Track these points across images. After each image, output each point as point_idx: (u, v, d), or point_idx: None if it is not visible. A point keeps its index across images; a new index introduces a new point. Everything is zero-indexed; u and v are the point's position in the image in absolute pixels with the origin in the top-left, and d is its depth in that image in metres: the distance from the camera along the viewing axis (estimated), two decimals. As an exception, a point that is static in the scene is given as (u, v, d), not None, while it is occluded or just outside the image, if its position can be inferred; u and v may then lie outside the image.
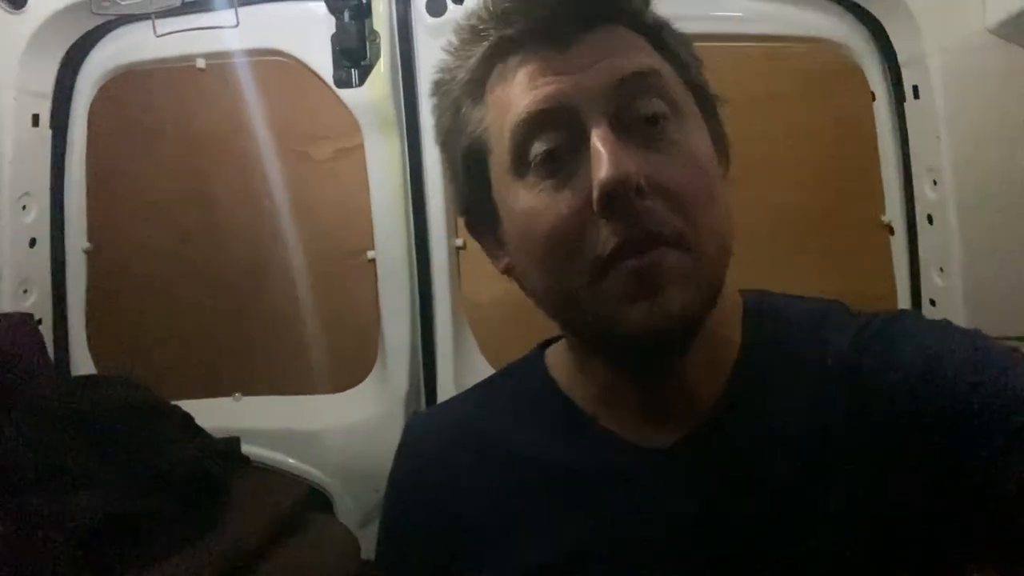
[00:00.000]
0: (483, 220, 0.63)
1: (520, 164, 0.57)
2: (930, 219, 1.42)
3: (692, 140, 0.57)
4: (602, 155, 0.52)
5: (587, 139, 0.54)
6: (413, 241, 1.61)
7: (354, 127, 1.54)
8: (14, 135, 1.44)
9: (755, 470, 0.58)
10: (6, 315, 1.36)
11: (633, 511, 0.58)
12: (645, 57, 0.57)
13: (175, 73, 1.52)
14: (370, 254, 1.64)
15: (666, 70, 0.58)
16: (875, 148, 1.52)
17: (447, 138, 0.64)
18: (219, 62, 1.55)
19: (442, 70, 0.63)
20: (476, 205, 0.63)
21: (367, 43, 1.48)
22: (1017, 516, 0.51)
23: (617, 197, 0.52)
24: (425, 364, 1.61)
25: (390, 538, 0.70)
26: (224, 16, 1.29)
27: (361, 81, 1.50)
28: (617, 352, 0.59)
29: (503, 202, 0.60)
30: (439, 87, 0.63)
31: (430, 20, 1.49)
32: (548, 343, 0.70)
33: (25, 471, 1.10)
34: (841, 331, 0.61)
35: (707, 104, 0.62)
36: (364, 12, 1.46)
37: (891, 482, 0.56)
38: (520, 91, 0.56)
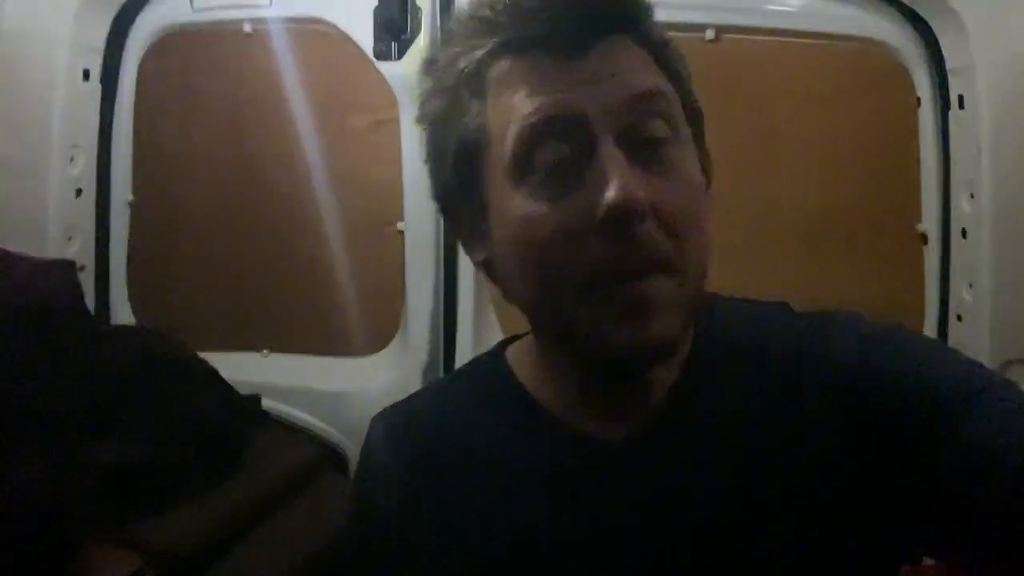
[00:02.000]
0: (463, 210, 0.63)
1: (521, 169, 0.56)
2: (964, 233, 1.38)
3: (688, 165, 0.58)
4: (612, 176, 0.53)
5: (593, 153, 0.54)
6: (441, 217, 1.62)
7: (391, 100, 1.55)
8: (65, 89, 1.48)
9: (701, 459, 0.60)
10: (49, 261, 1.41)
11: (589, 501, 0.60)
12: (654, 76, 0.58)
13: (222, 36, 1.54)
14: (399, 225, 1.65)
15: (670, 91, 0.59)
16: (916, 154, 1.47)
17: (435, 122, 0.62)
18: (264, 27, 1.57)
19: (441, 53, 0.62)
20: (459, 195, 0.62)
21: (409, 17, 1.47)
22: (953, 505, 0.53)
23: (621, 219, 0.52)
24: (445, 336, 1.63)
25: (352, 530, 0.73)
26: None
27: (400, 54, 1.49)
28: (591, 364, 0.60)
29: (496, 202, 0.59)
30: (433, 68, 0.62)
31: (472, -2, 1.47)
32: (508, 341, 0.72)
33: (58, 418, 1.15)
34: (784, 327, 0.64)
35: (698, 124, 0.62)
36: (406, -13, 1.45)
37: (831, 466, 0.58)
38: (529, 94, 0.56)
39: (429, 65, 0.63)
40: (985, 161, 1.27)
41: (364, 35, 1.49)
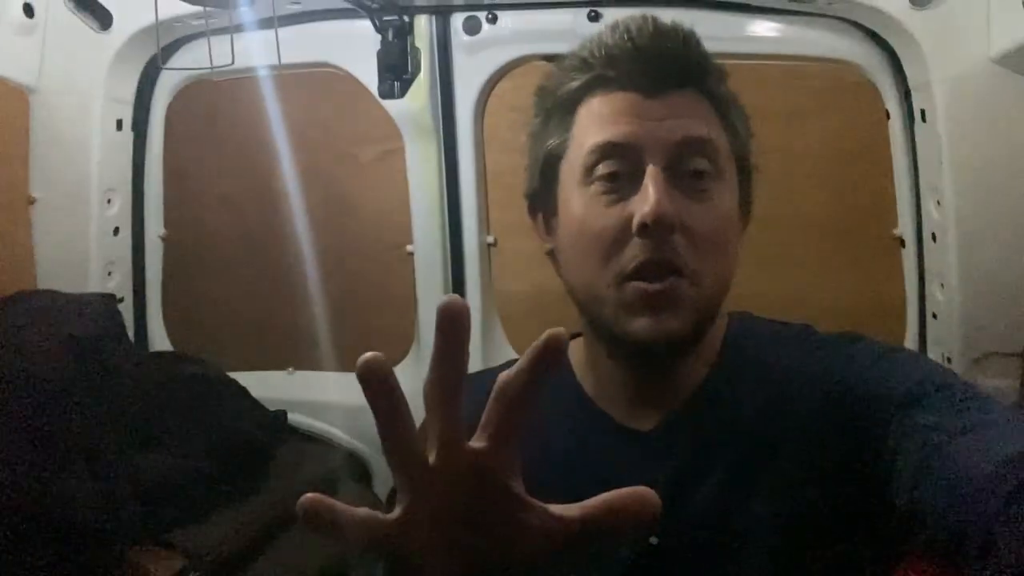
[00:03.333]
0: (542, 208, 0.76)
1: (587, 176, 0.69)
2: (934, 237, 1.44)
3: (724, 199, 0.70)
4: (650, 192, 0.64)
5: (642, 175, 0.66)
6: (448, 238, 1.72)
7: (396, 134, 1.65)
8: (101, 138, 1.60)
9: (717, 446, 0.70)
10: (92, 295, 1.53)
11: (616, 480, 0.70)
12: (707, 126, 0.69)
13: (240, 83, 1.65)
14: (409, 248, 1.75)
15: (720, 139, 0.70)
16: (889, 165, 1.53)
17: (533, 135, 0.76)
18: (279, 73, 1.68)
19: (548, 81, 0.75)
20: (541, 195, 0.76)
21: (409, 59, 1.57)
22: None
23: (653, 227, 0.64)
24: (455, 351, 1.71)
25: None
26: (265, 36, 1.42)
27: (403, 93, 1.59)
28: (620, 349, 0.72)
29: (564, 201, 0.72)
30: (542, 92, 0.76)
31: (466, 38, 1.58)
32: (573, 336, 0.82)
33: (105, 436, 1.27)
34: (802, 346, 0.74)
35: (745, 171, 0.74)
36: (407, 30, 1.55)
37: (826, 466, 0.66)
38: (605, 122, 0.69)
39: (540, 91, 0.76)
40: (946, 171, 1.33)
41: (369, 76, 1.59)
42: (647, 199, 0.64)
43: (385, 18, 1.54)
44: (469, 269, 1.71)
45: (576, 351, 0.79)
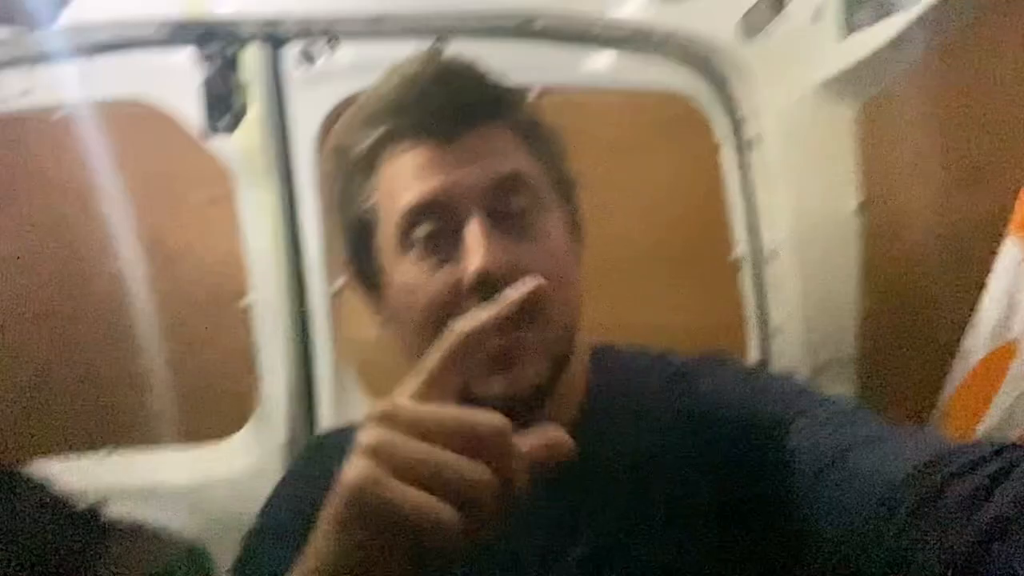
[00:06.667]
0: (367, 280, 0.69)
1: (404, 243, 0.62)
2: (772, 257, 1.48)
3: (553, 231, 0.64)
4: (474, 247, 0.58)
5: (462, 229, 0.60)
6: (290, 286, 1.52)
7: (225, 175, 1.45)
8: None
9: (591, 490, 0.63)
10: None
11: (489, 546, 0.61)
12: (518, 159, 0.64)
13: (27, 124, 1.37)
14: (246, 300, 1.54)
15: (535, 170, 0.64)
16: (723, 190, 1.57)
17: (340, 202, 0.68)
18: (81, 112, 1.42)
19: (339, 141, 0.67)
20: (360, 266, 0.69)
21: (236, 92, 1.38)
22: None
23: (486, 283, 0.57)
24: (304, 410, 1.51)
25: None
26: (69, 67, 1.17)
27: (231, 129, 1.40)
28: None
29: (388, 271, 0.65)
30: (337, 153, 0.68)
31: (303, 70, 1.41)
32: None
33: None
34: (667, 373, 0.69)
35: (568, 196, 0.69)
36: (233, 62, 1.36)
37: (715, 501, 0.61)
38: (408, 180, 0.62)
39: (333, 154, 0.68)
40: (779, 193, 1.37)
41: (188, 112, 1.38)
42: (473, 254, 0.58)
43: (207, 48, 1.34)
44: (315, 320, 1.52)
45: None
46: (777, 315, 1.51)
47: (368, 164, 0.64)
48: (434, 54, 0.63)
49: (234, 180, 1.45)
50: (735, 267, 1.61)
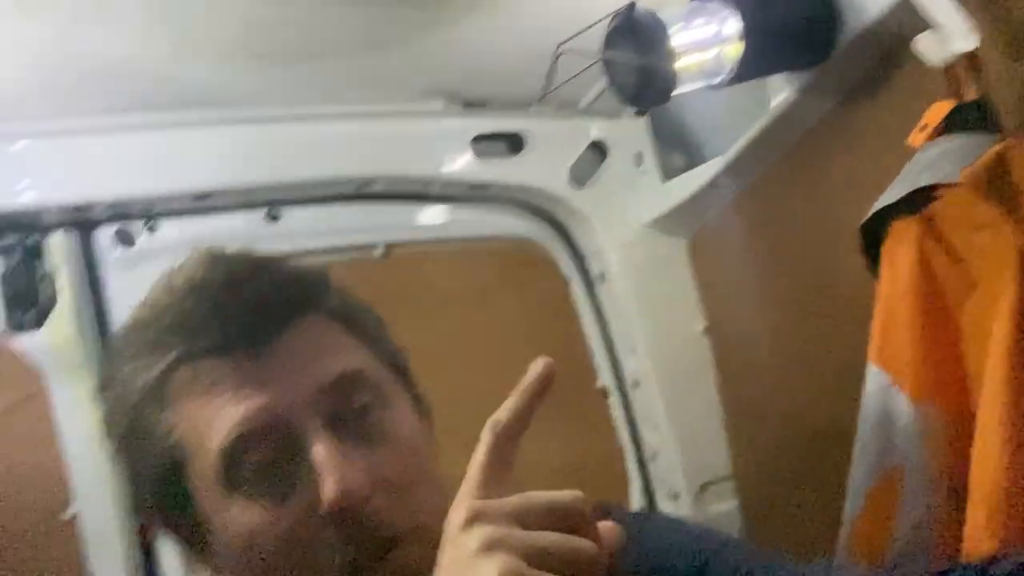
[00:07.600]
0: (182, 529, 0.58)
1: (231, 479, 0.53)
2: (636, 384, 1.48)
3: (402, 420, 0.58)
4: (326, 473, 0.50)
5: (304, 448, 0.52)
6: (125, 491, 1.33)
7: (32, 374, 1.27)
8: None
9: None
10: None
11: None
12: (343, 352, 0.56)
13: None
14: (70, 512, 1.32)
15: (365, 357, 0.58)
16: (578, 325, 1.57)
17: (124, 443, 0.58)
18: None
19: (114, 370, 0.57)
20: (172, 515, 0.58)
21: (42, 283, 1.24)
22: None
23: (346, 511, 0.50)
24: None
25: None
26: None
27: (38, 324, 1.24)
28: None
29: (213, 515, 0.55)
30: (111, 386, 0.58)
31: (120, 252, 1.30)
32: None
33: None
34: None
35: (403, 373, 0.62)
36: (36, 251, 1.23)
37: None
38: (217, 408, 0.52)
39: (105, 384, 0.59)
40: (632, 323, 1.40)
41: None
42: (327, 479, 0.50)
43: (3, 241, 1.21)
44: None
45: None
46: (651, 440, 1.50)
47: (161, 398, 0.55)
48: (215, 253, 0.55)
49: (45, 379, 1.27)
50: (603, 397, 1.60)
